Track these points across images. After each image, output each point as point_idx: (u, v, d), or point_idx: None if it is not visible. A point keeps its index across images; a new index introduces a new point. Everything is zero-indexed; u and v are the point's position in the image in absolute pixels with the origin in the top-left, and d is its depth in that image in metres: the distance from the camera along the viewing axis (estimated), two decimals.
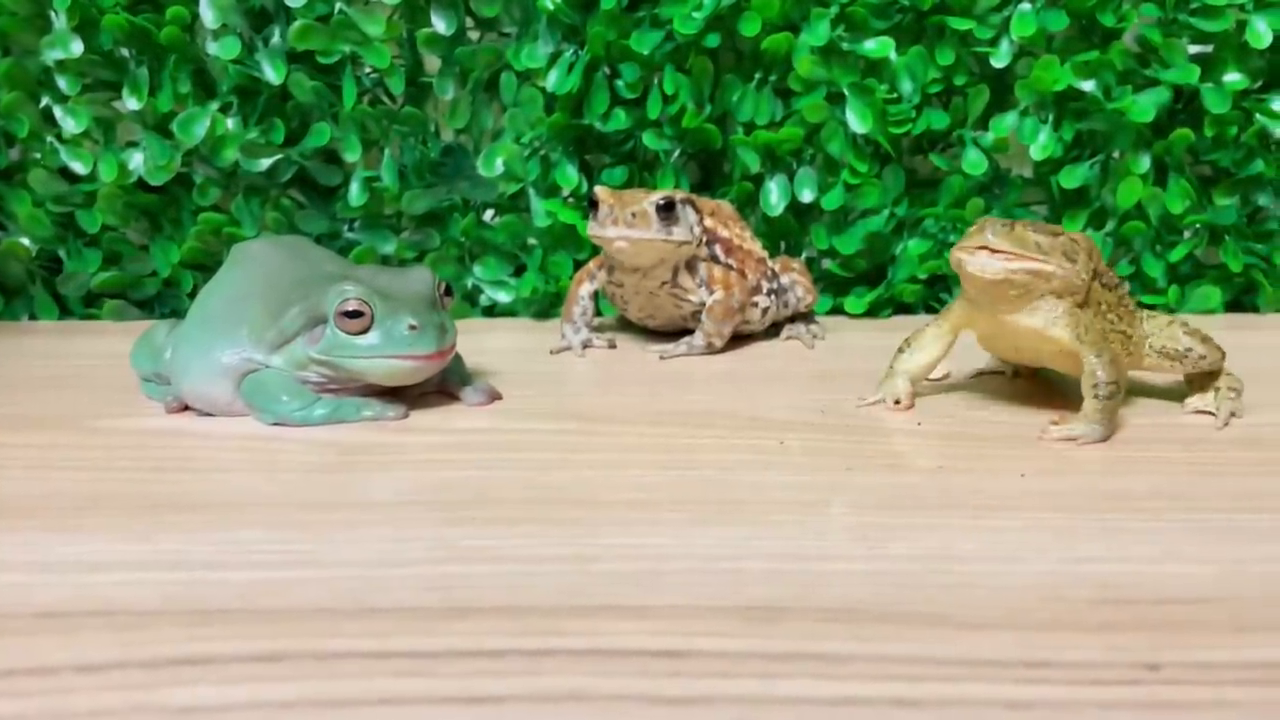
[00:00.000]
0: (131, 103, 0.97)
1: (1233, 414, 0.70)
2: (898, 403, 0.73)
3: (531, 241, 1.04)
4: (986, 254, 0.64)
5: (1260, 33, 0.95)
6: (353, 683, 0.40)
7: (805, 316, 0.97)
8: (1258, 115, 0.98)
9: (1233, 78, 0.97)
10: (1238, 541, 0.51)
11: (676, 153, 1.01)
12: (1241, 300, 1.05)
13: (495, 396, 0.76)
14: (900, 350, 0.74)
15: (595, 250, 1.03)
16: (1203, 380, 0.72)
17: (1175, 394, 0.73)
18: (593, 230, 0.86)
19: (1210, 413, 0.71)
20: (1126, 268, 1.03)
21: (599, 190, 0.86)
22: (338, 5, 0.96)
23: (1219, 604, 0.45)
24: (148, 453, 0.65)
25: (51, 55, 0.96)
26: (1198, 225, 1.01)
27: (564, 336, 0.92)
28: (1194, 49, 0.98)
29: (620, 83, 0.99)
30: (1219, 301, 1.03)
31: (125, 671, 0.40)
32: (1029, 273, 0.65)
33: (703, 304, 0.89)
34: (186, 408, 0.73)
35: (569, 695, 0.39)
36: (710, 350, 0.89)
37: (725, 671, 0.40)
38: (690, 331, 0.90)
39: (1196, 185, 1.01)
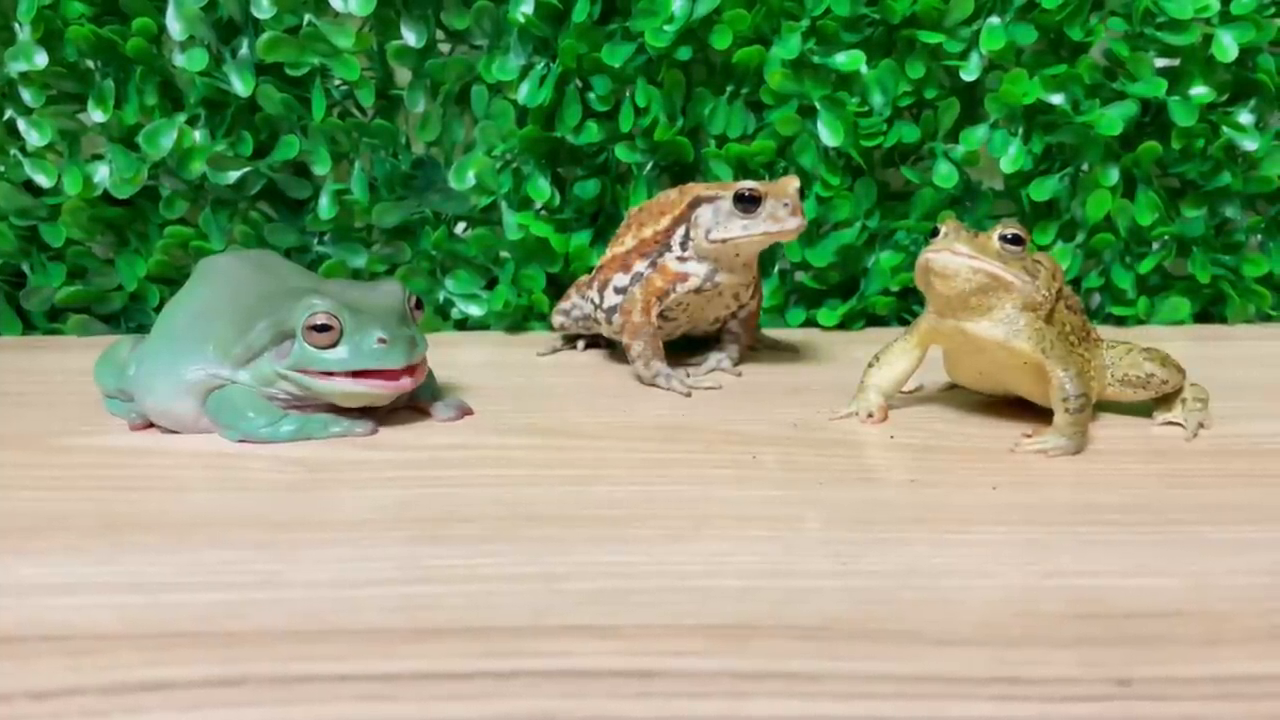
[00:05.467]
0: (97, 115, 0.96)
1: (1201, 425, 0.70)
2: (870, 416, 0.72)
3: (504, 255, 1.03)
4: (949, 253, 0.65)
5: (1226, 46, 0.96)
6: (315, 707, 0.39)
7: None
8: (1224, 128, 0.99)
9: (1199, 91, 0.98)
10: (1209, 554, 0.52)
11: (649, 165, 1.01)
12: (1210, 311, 1.06)
13: (466, 411, 0.75)
14: (870, 365, 0.74)
15: (568, 265, 1.02)
16: (1169, 395, 0.73)
17: (1144, 407, 0.74)
18: (766, 229, 0.79)
19: (1179, 424, 0.71)
20: (1096, 279, 1.04)
21: (756, 185, 0.80)
22: (307, 17, 0.95)
23: (1191, 617, 0.45)
24: (110, 471, 0.64)
25: (15, 67, 0.94)
26: (1166, 237, 1.02)
27: (665, 379, 0.82)
28: (1161, 63, 0.99)
29: (592, 95, 0.98)
30: (1187, 313, 1.04)
31: (80, 698, 0.39)
32: (988, 274, 0.65)
33: (742, 305, 0.87)
34: (151, 425, 0.72)
35: (537, 717, 0.38)
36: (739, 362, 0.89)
37: (696, 692, 0.40)
38: (705, 341, 0.90)
39: (1164, 197, 1.02)
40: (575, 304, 0.93)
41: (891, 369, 0.74)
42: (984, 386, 0.74)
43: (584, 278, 0.94)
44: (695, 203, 0.82)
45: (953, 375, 0.76)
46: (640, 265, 0.85)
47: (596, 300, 0.88)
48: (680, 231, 0.83)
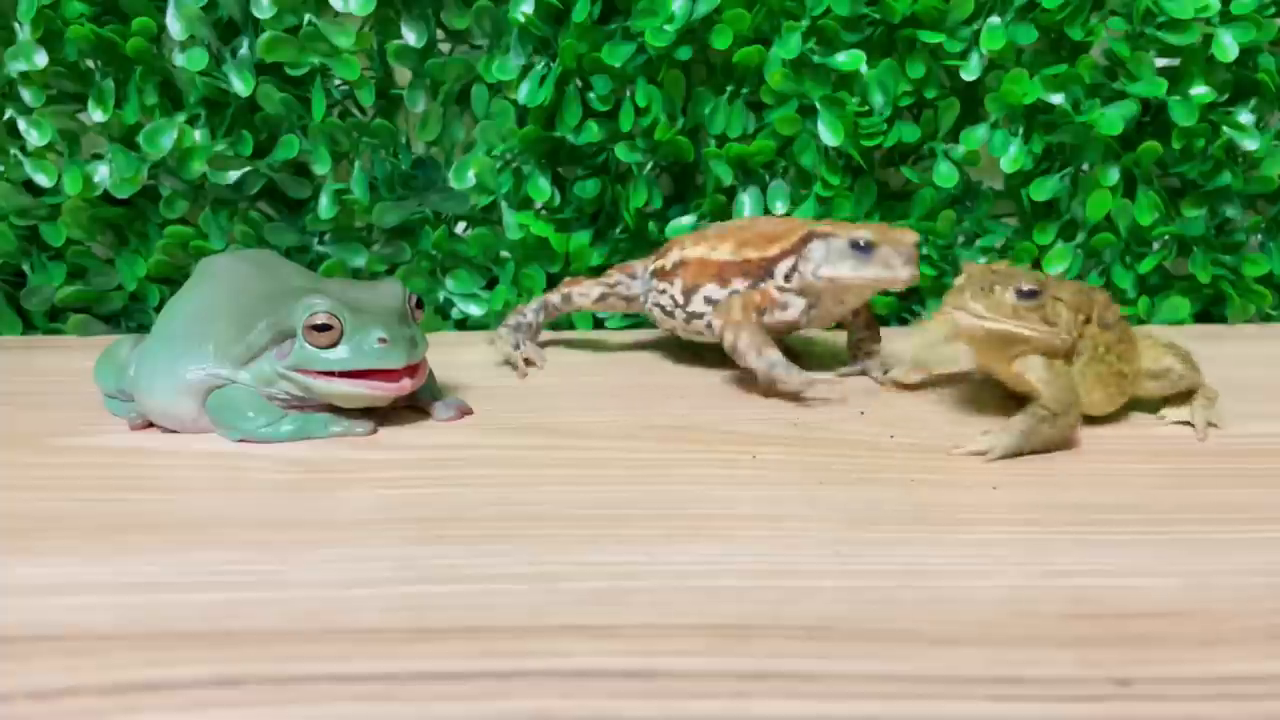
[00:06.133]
0: (97, 115, 0.96)
1: (1210, 424, 0.71)
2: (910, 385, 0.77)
3: (504, 254, 1.03)
4: (966, 314, 0.67)
5: (1226, 46, 0.96)
6: (314, 707, 0.39)
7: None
8: (1224, 128, 0.99)
9: (1200, 91, 0.98)
10: (1209, 553, 0.52)
11: (649, 165, 1.01)
12: (1210, 311, 1.06)
13: (466, 411, 0.75)
14: (914, 338, 0.75)
15: (568, 264, 1.02)
16: (1179, 394, 0.73)
17: (1149, 405, 0.74)
18: (877, 274, 0.79)
19: (1188, 423, 0.71)
20: (1096, 279, 1.04)
21: (872, 235, 0.79)
22: (307, 17, 0.95)
23: (1189, 617, 0.45)
24: (109, 471, 0.64)
25: (15, 67, 0.94)
26: (1166, 237, 1.02)
27: (784, 368, 0.79)
28: (1161, 62, 0.98)
29: (592, 95, 0.98)
30: (1188, 313, 1.04)
31: (79, 698, 0.39)
32: (1004, 334, 0.67)
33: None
34: (151, 425, 0.72)
35: (536, 718, 0.38)
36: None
37: (696, 692, 0.40)
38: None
39: (1165, 197, 1.02)
40: (620, 280, 0.91)
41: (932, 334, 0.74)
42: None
43: (614, 269, 0.93)
44: (808, 237, 0.81)
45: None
46: (739, 284, 0.83)
47: (679, 300, 0.86)
48: (786, 263, 0.82)
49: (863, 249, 0.78)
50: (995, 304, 0.66)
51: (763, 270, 0.82)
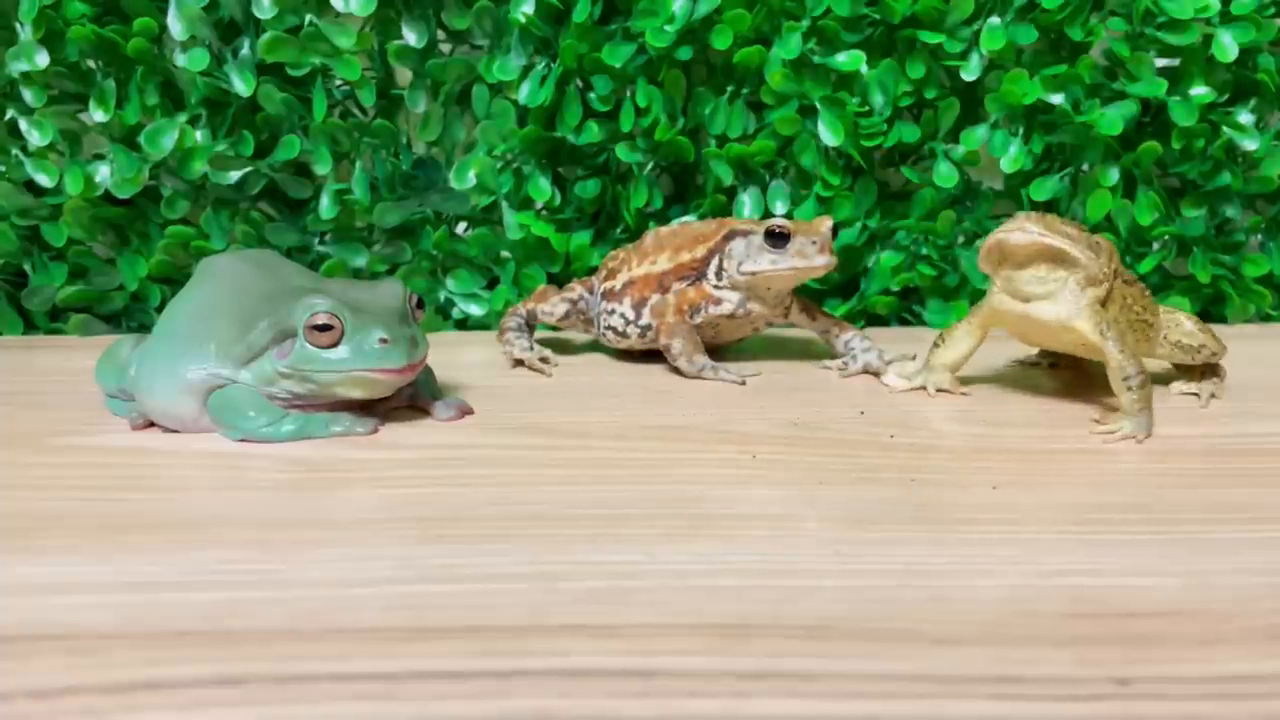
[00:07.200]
0: (98, 115, 0.96)
1: (1213, 395, 0.76)
2: (941, 390, 0.78)
3: (504, 254, 1.03)
4: (1021, 232, 0.70)
5: (1226, 46, 0.96)
6: (314, 706, 0.39)
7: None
8: (1224, 128, 0.99)
9: (1199, 91, 0.98)
10: (1208, 553, 0.52)
11: (650, 165, 1.01)
12: (1210, 311, 1.06)
13: (466, 411, 0.75)
14: (935, 345, 0.79)
15: (569, 264, 1.02)
16: (1198, 369, 0.79)
17: (1156, 382, 0.75)
18: (794, 265, 0.82)
19: (1194, 394, 0.77)
20: None
21: (787, 223, 0.82)
22: (308, 17, 0.96)
23: (1189, 617, 0.45)
24: (110, 471, 0.64)
25: (16, 67, 0.94)
26: (1166, 237, 1.02)
27: (712, 371, 0.85)
28: (1161, 62, 0.98)
29: (593, 95, 0.98)
30: (1188, 312, 1.04)
31: (80, 697, 0.39)
32: (1058, 248, 0.69)
33: (757, 330, 0.90)
34: (152, 424, 0.72)
35: (535, 717, 0.38)
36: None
37: (695, 691, 0.40)
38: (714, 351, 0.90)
39: (1165, 197, 1.02)
40: (582, 295, 0.93)
41: (956, 349, 0.78)
42: (1046, 346, 0.79)
43: (576, 283, 0.94)
44: (730, 235, 0.84)
45: (1019, 339, 0.80)
46: (678, 287, 0.87)
47: (630, 316, 0.88)
48: (715, 261, 0.85)
49: (778, 242, 0.82)
50: (1049, 225, 0.70)
51: (695, 271, 0.86)
